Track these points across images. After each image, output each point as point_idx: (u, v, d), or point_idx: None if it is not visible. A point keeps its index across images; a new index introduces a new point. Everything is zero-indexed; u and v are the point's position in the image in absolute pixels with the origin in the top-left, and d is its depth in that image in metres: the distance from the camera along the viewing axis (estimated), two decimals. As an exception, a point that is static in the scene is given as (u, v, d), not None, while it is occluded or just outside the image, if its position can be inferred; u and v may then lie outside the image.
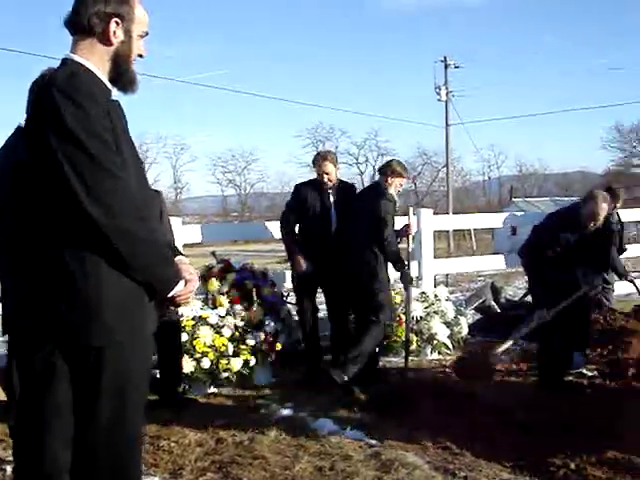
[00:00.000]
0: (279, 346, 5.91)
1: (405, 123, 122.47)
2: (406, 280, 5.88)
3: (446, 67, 37.76)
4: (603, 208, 5.54)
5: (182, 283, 2.36)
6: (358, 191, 6.31)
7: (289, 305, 6.58)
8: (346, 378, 5.40)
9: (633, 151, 46.39)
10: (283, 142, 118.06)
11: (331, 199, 5.99)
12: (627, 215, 11.45)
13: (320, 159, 5.99)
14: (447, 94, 37.46)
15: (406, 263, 5.92)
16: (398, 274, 5.97)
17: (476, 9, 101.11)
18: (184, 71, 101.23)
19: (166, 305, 2.42)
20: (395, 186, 5.88)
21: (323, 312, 6.32)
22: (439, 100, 37.64)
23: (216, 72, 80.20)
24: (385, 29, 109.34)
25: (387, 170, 5.89)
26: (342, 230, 5.90)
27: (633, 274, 7.89)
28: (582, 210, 5.61)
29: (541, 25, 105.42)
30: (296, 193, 6.16)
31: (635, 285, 7.29)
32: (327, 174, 5.94)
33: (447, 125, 38.24)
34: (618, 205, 5.99)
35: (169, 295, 2.34)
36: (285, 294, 6.44)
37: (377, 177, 6.09)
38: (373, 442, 4.31)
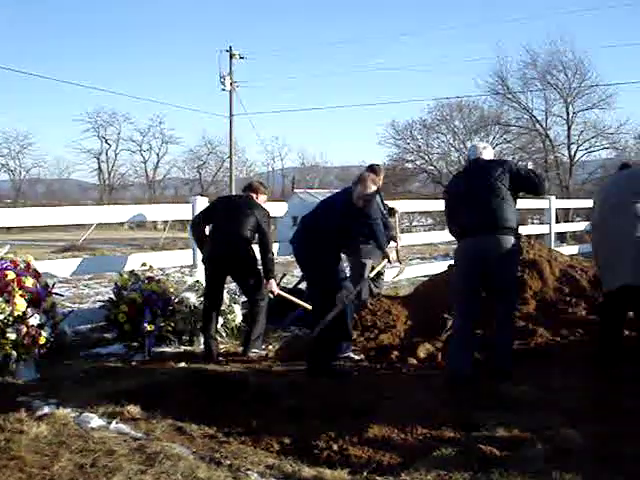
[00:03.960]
0: (43, 340, 5.58)
1: (192, 112, 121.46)
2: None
3: (231, 57, 37.94)
4: (371, 187, 6.01)
5: None
6: None
7: (56, 296, 6.25)
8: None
9: (406, 147, 48.98)
10: (62, 126, 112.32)
11: None
12: (400, 206, 12.12)
13: None
14: (231, 84, 37.71)
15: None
16: None
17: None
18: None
19: None
20: None
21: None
22: (224, 90, 37.78)
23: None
24: (173, 14, 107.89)
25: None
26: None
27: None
28: (354, 192, 5.98)
29: (325, 21, 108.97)
30: None
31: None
32: None
33: (231, 115, 38.46)
34: (381, 178, 6.43)
35: None
36: (51, 285, 6.08)
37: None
38: (138, 435, 4.20)
